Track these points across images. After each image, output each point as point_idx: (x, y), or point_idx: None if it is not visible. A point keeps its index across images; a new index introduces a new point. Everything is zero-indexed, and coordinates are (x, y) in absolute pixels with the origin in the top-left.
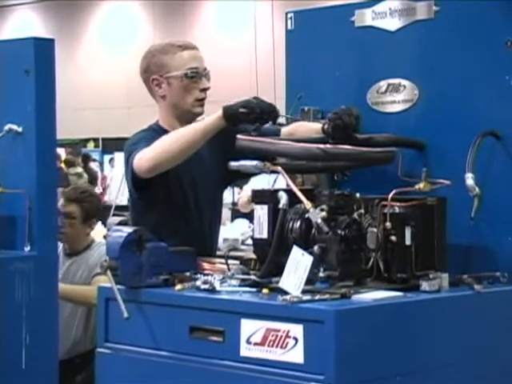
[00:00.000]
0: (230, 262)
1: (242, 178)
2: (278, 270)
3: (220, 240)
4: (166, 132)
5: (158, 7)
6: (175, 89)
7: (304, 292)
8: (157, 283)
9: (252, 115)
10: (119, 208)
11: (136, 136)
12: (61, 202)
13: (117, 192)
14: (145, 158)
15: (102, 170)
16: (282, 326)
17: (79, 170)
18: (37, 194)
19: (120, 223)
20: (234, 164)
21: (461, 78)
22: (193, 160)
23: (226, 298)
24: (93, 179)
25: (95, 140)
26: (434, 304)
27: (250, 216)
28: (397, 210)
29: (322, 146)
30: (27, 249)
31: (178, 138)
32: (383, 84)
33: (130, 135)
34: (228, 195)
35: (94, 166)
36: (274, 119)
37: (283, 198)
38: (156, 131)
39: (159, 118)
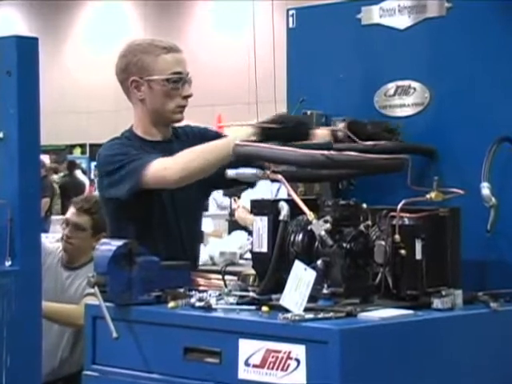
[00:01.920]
0: (226, 277)
1: (231, 185)
2: (279, 287)
3: (216, 254)
4: (140, 139)
5: (150, 5)
6: (156, 93)
7: (306, 310)
8: (148, 300)
9: (285, 130)
10: None
11: (112, 145)
12: (71, 211)
13: None
14: (174, 168)
15: (89, 178)
16: (283, 347)
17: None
18: (19, 204)
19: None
20: (231, 172)
21: (475, 79)
22: None
23: (223, 316)
24: (78, 188)
25: (82, 146)
26: (446, 323)
27: (248, 228)
28: (406, 221)
29: (326, 152)
30: (8, 263)
31: (206, 151)
32: (391, 86)
33: None
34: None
35: (79, 174)
36: (305, 134)
37: (284, 209)
38: (129, 139)
39: (134, 123)
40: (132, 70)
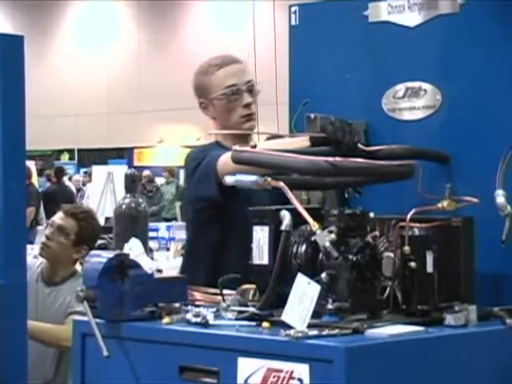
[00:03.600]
0: (224, 291)
1: None
2: (281, 301)
3: None
4: (227, 149)
5: (144, 5)
6: (219, 110)
7: (310, 326)
8: (141, 316)
9: (330, 138)
10: None
11: (198, 150)
12: (58, 215)
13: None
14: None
15: (76, 187)
16: (285, 366)
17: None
18: (3, 214)
19: (99, 247)
20: (229, 179)
21: (489, 81)
22: None
23: (221, 333)
24: (67, 196)
25: (70, 151)
26: (459, 340)
27: None
28: (417, 232)
29: (330, 158)
30: None
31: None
32: (401, 88)
33: (111, 146)
34: None
35: (67, 181)
36: (349, 144)
37: (286, 218)
38: (216, 148)
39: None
40: (198, 93)
